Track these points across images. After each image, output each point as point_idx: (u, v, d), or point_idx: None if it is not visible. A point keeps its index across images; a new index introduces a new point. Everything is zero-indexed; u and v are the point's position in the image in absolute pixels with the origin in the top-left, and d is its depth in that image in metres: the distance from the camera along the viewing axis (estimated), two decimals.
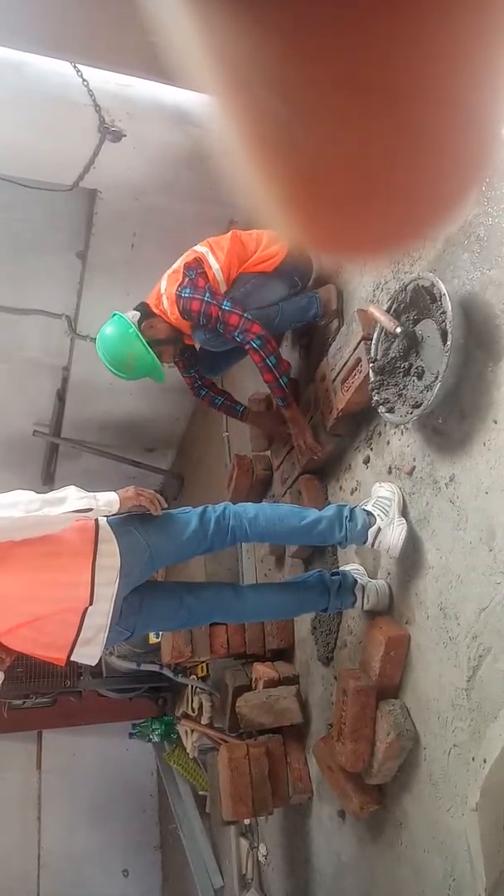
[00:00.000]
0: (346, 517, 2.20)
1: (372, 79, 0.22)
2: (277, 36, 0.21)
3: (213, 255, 2.64)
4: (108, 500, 2.00)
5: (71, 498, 1.94)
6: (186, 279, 2.59)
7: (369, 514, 2.19)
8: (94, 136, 2.91)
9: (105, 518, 2.05)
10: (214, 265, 2.61)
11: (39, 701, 4.73)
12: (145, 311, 2.74)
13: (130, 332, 2.69)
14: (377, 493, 2.27)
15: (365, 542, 2.18)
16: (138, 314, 2.73)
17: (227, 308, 2.52)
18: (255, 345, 2.51)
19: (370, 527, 2.16)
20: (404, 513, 2.20)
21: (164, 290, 2.68)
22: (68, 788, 5.71)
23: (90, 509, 1.95)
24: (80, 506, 1.93)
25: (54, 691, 4.70)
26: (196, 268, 2.60)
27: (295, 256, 2.69)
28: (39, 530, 1.91)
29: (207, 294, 2.54)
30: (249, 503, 2.30)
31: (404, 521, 2.15)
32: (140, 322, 2.71)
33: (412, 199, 0.27)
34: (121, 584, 1.97)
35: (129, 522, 2.08)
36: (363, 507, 2.23)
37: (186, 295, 2.57)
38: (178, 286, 2.59)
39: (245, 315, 2.52)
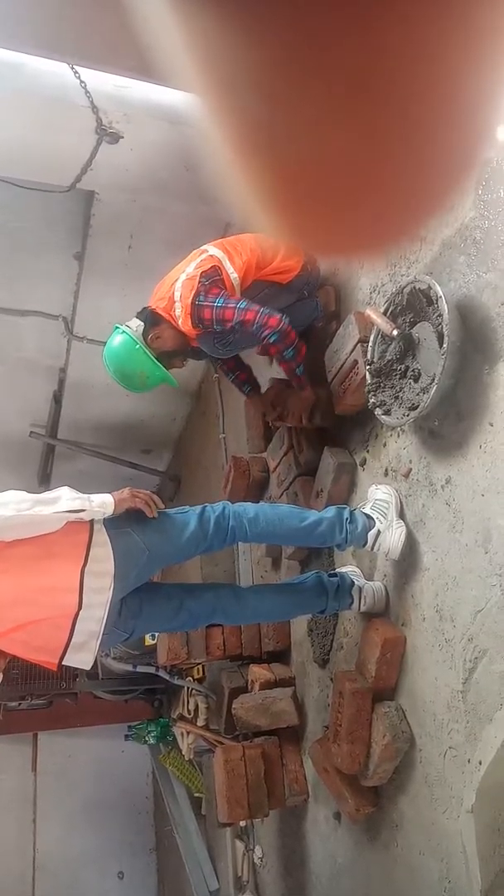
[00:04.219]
0: (346, 519, 2.19)
1: (360, 80, 0.22)
2: (264, 36, 0.21)
3: (230, 261, 2.55)
4: (102, 502, 1.98)
5: (64, 498, 1.92)
6: (200, 286, 2.49)
7: (368, 516, 2.19)
8: (92, 137, 2.91)
9: (101, 520, 2.02)
10: (232, 273, 2.53)
11: (35, 703, 4.72)
12: (150, 318, 2.63)
13: (137, 348, 2.61)
14: (374, 496, 2.27)
15: (364, 545, 2.18)
16: (142, 324, 2.63)
17: (242, 307, 2.45)
18: (272, 339, 2.44)
19: (370, 529, 2.16)
20: (401, 515, 2.20)
21: (179, 297, 2.55)
22: (64, 791, 5.69)
23: (83, 510, 1.94)
24: (73, 506, 1.91)
25: (50, 693, 4.68)
26: (213, 275, 2.50)
27: (308, 269, 2.66)
28: (30, 531, 1.88)
29: (220, 299, 2.46)
30: (248, 503, 2.29)
31: (403, 524, 2.15)
32: (145, 332, 2.62)
33: (403, 199, 0.27)
34: (116, 589, 1.95)
35: (126, 524, 2.05)
36: (361, 509, 2.23)
37: (199, 302, 2.48)
38: (194, 294, 2.49)
39: (262, 310, 2.45)
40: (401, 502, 2.22)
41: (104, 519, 2.03)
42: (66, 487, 1.98)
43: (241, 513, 2.18)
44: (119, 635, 2.10)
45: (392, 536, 2.13)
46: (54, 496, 1.93)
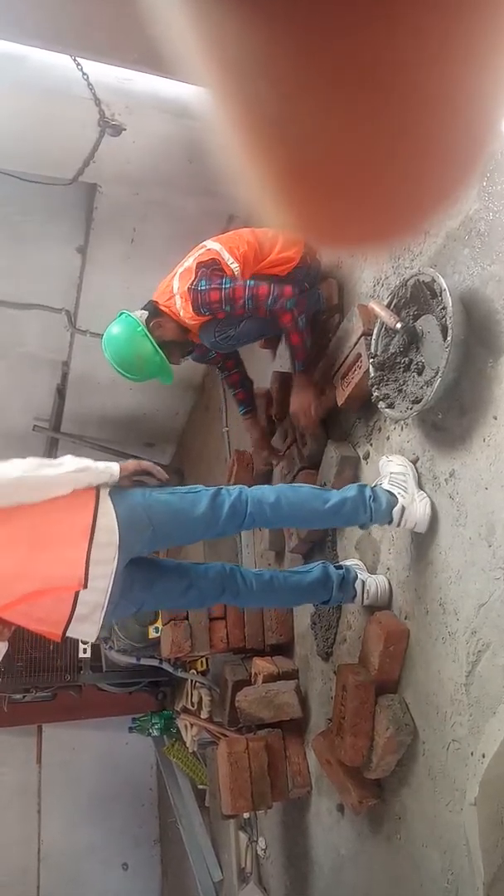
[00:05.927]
0: (370, 497, 2.10)
1: (369, 71, 0.22)
2: (274, 28, 0.21)
3: (228, 252, 2.56)
4: (107, 465, 1.98)
5: (68, 462, 1.93)
6: (201, 273, 2.51)
7: (390, 493, 2.10)
8: (94, 129, 2.90)
9: (107, 491, 1.99)
10: (232, 263, 2.53)
11: (39, 695, 4.74)
12: (154, 310, 2.67)
13: (139, 331, 2.63)
14: (388, 469, 2.18)
15: (391, 523, 2.09)
16: (146, 313, 2.66)
17: (251, 284, 2.47)
18: (287, 306, 2.45)
19: (394, 506, 2.07)
20: (420, 485, 2.13)
21: (177, 289, 2.59)
22: (68, 782, 5.72)
23: (88, 469, 1.93)
24: (79, 466, 1.91)
25: (54, 686, 4.70)
26: (211, 265, 2.52)
27: (307, 261, 2.66)
28: (37, 495, 1.86)
29: (227, 280, 2.49)
30: (267, 486, 2.21)
31: (425, 495, 2.08)
32: (148, 321, 2.65)
33: (410, 192, 0.27)
34: (120, 560, 1.92)
35: (132, 497, 2.02)
36: (381, 485, 2.16)
37: (203, 287, 2.48)
38: (192, 282, 2.52)
39: (273, 284, 2.47)
40: (417, 471, 2.15)
41: (110, 491, 2.00)
42: (69, 455, 1.98)
43: (260, 498, 2.10)
44: (128, 608, 2.09)
45: (417, 509, 2.06)
46: (59, 461, 1.93)
